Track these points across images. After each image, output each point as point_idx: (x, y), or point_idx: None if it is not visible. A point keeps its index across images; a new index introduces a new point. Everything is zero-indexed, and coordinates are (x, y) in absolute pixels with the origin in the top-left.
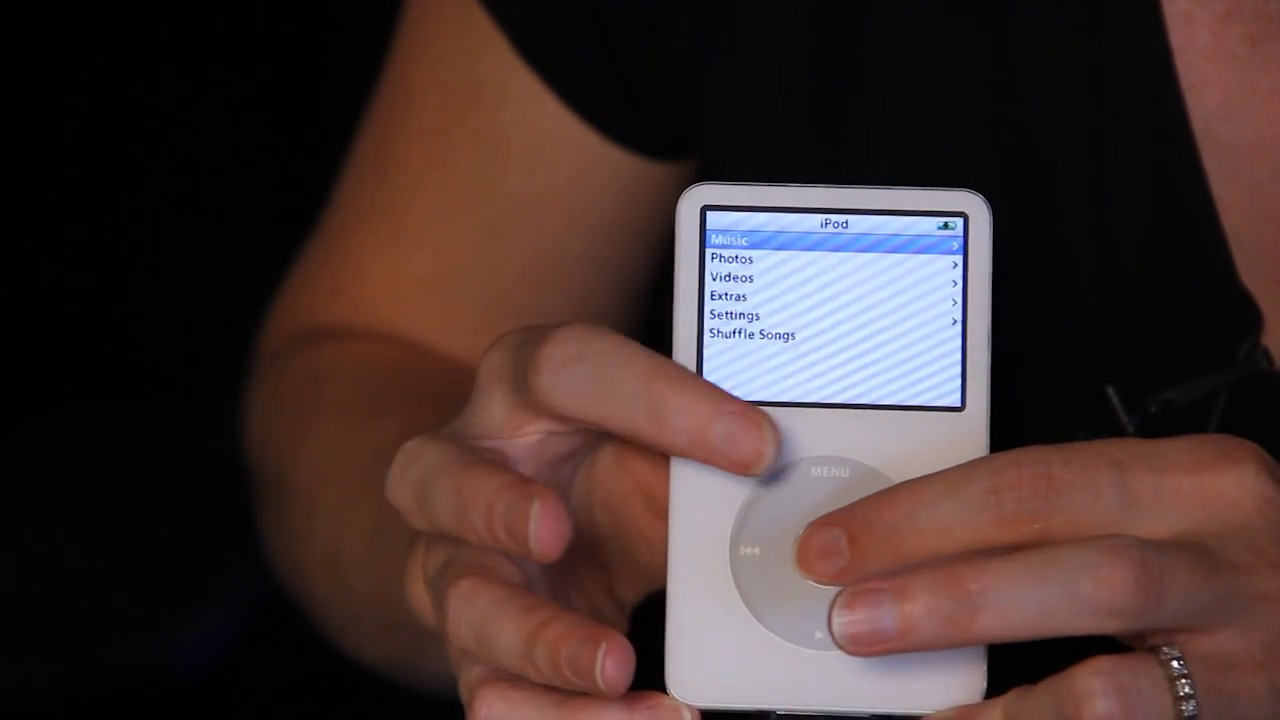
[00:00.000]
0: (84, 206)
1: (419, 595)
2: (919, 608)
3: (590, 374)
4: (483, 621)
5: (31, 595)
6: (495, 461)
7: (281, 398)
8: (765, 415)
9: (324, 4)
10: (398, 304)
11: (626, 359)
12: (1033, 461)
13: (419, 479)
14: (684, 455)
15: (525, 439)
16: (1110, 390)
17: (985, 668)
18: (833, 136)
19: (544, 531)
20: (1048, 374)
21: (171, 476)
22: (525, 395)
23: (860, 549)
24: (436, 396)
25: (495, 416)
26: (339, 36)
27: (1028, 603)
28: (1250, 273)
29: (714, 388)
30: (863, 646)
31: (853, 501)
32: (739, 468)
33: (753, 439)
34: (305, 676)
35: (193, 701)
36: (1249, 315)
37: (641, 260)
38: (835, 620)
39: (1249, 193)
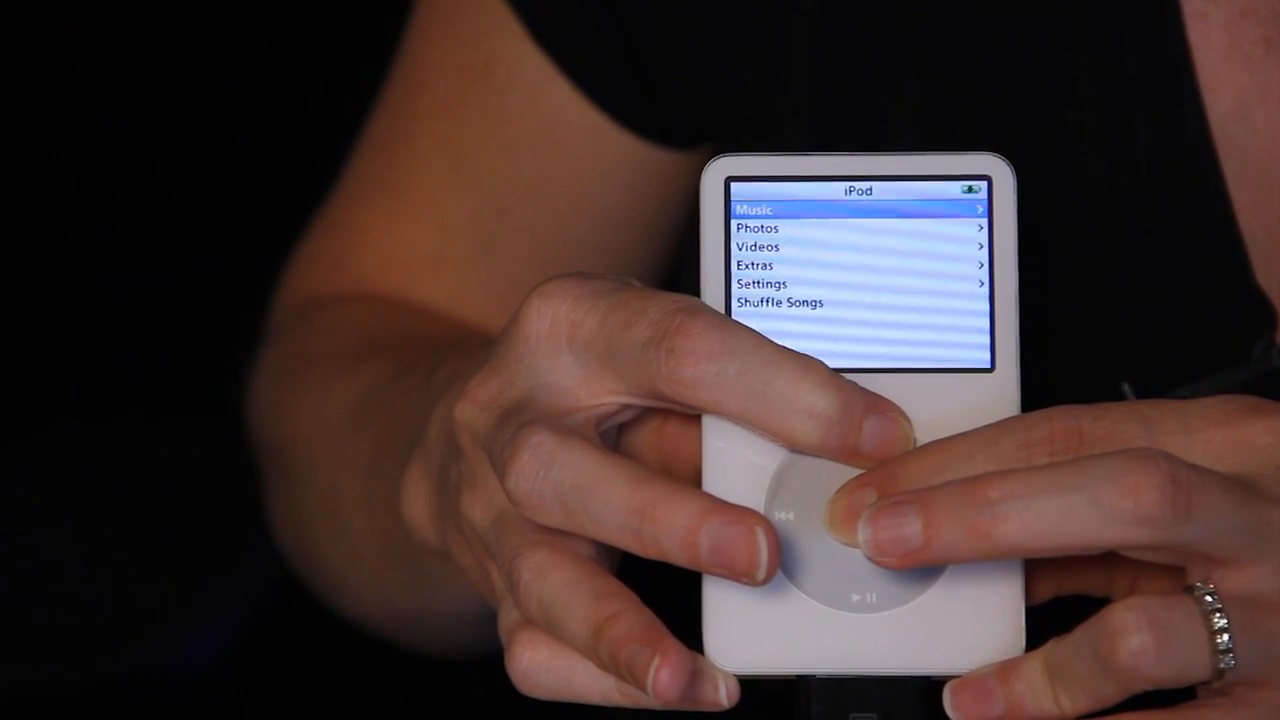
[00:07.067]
0: (84, 206)
1: (414, 512)
2: (940, 515)
3: (740, 372)
4: (553, 603)
5: (31, 595)
6: (660, 475)
7: (280, 364)
8: (902, 412)
9: (328, 4)
10: (401, 279)
11: (777, 359)
12: (1063, 417)
13: (570, 486)
14: (836, 459)
15: (601, 408)
16: (1126, 387)
17: (1024, 625)
18: (845, 129)
19: (772, 559)
20: (1064, 370)
21: (171, 476)
22: (640, 374)
23: None
24: (429, 340)
25: (566, 381)
26: (343, 39)
27: (1051, 510)
28: (1265, 272)
29: (867, 391)
30: (888, 556)
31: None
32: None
33: (901, 438)
34: (306, 675)
35: (194, 701)
36: (1264, 314)
37: (652, 249)
38: (862, 531)
39: (1263, 193)
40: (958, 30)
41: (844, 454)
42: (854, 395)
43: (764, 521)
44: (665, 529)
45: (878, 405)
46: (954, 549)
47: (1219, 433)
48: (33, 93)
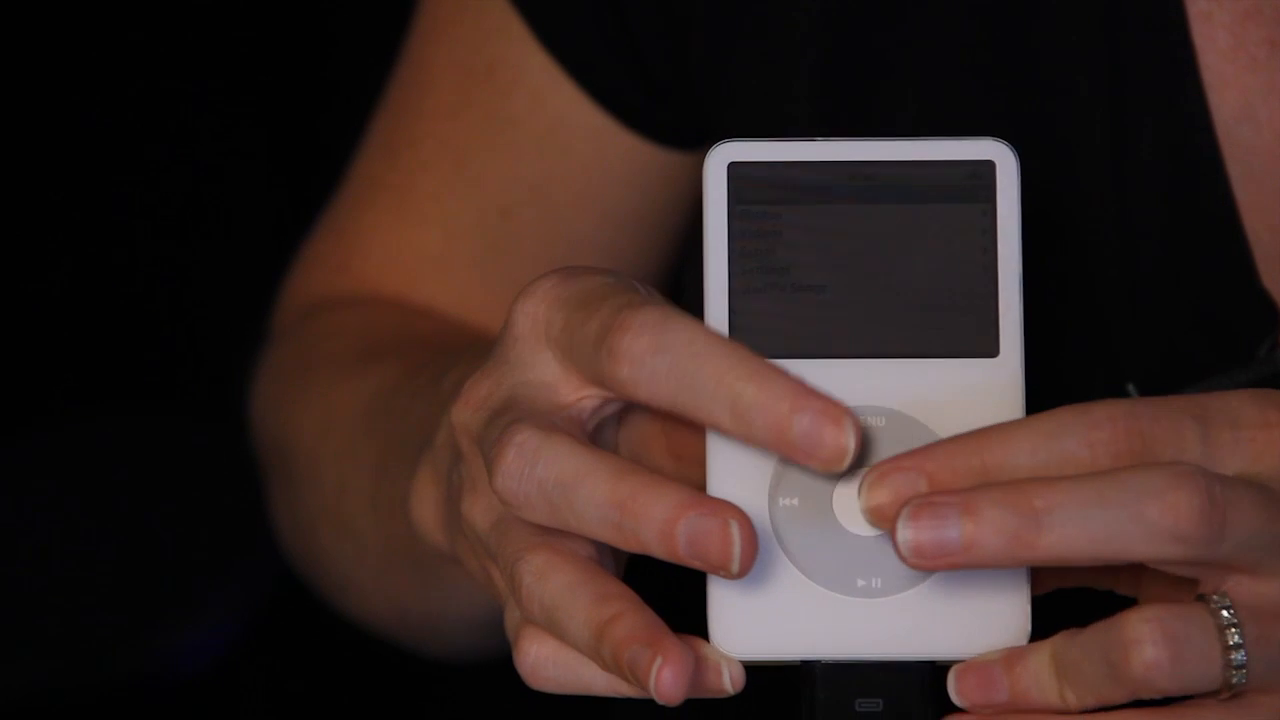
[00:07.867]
0: (85, 207)
1: (423, 516)
2: (985, 522)
3: (670, 367)
4: (554, 606)
5: (31, 595)
6: (643, 468)
7: (285, 365)
8: (847, 411)
9: (332, 5)
10: (405, 281)
11: (705, 351)
12: (1125, 418)
13: (554, 482)
14: (770, 449)
15: (583, 404)
16: (1130, 388)
17: (1029, 611)
18: (849, 130)
19: (746, 553)
20: (1068, 371)
21: (172, 476)
22: (592, 371)
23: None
24: (437, 343)
25: (547, 376)
26: (344, 39)
27: (1093, 523)
28: (1270, 273)
29: (795, 383)
30: (926, 559)
31: (917, 447)
32: (822, 465)
33: (832, 436)
34: (306, 675)
35: (193, 701)
36: (1269, 315)
37: (657, 250)
38: (900, 531)
39: (1268, 194)
40: (962, 31)
41: (775, 446)
42: (781, 387)
43: (740, 514)
44: (644, 521)
45: (808, 399)
46: (994, 556)
47: (1261, 434)
48: (34, 93)
